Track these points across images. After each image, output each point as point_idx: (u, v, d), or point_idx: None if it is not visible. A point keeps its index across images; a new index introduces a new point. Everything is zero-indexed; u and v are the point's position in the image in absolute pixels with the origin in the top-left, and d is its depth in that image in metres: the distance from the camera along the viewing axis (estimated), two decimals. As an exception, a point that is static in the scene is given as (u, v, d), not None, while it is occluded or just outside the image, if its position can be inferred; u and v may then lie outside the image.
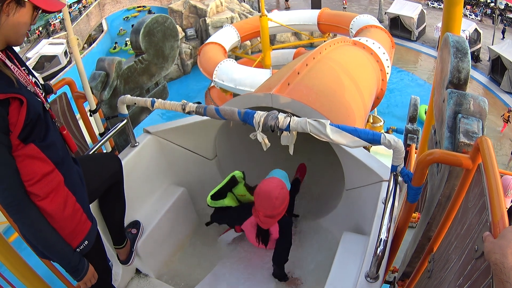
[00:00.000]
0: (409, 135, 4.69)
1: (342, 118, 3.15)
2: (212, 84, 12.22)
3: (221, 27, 15.86)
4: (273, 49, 13.35)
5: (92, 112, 3.24)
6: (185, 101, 2.48)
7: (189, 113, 2.42)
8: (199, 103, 2.61)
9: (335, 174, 3.95)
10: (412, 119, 4.97)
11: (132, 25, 4.58)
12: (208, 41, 13.18)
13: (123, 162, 2.51)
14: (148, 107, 2.67)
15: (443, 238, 1.69)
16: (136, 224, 2.94)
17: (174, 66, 23.96)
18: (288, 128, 1.94)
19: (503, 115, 16.58)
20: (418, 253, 2.08)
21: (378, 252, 1.64)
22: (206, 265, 3.20)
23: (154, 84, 4.01)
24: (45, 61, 21.96)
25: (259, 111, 2.06)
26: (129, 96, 2.79)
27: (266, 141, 2.09)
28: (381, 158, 2.69)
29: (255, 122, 2.02)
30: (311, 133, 1.84)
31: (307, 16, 13.58)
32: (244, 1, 28.85)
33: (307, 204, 3.80)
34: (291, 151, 2.28)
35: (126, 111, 2.91)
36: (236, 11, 24.98)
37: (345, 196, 3.04)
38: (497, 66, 18.50)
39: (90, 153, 2.71)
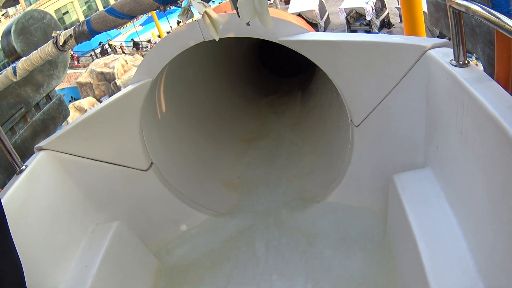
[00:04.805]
0: None
1: None
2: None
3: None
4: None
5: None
6: (57, 32, 1.53)
7: (65, 45, 1.46)
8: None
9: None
10: None
11: None
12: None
13: (3, 200, 1.57)
14: (11, 78, 1.68)
15: None
16: None
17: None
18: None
19: None
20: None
21: None
22: None
23: (45, 97, 2.95)
24: None
25: None
26: None
27: (213, 14, 1.18)
28: None
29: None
30: None
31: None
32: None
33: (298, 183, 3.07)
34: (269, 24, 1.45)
35: None
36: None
37: (358, 135, 2.17)
38: (412, 21, 19.18)
39: None
